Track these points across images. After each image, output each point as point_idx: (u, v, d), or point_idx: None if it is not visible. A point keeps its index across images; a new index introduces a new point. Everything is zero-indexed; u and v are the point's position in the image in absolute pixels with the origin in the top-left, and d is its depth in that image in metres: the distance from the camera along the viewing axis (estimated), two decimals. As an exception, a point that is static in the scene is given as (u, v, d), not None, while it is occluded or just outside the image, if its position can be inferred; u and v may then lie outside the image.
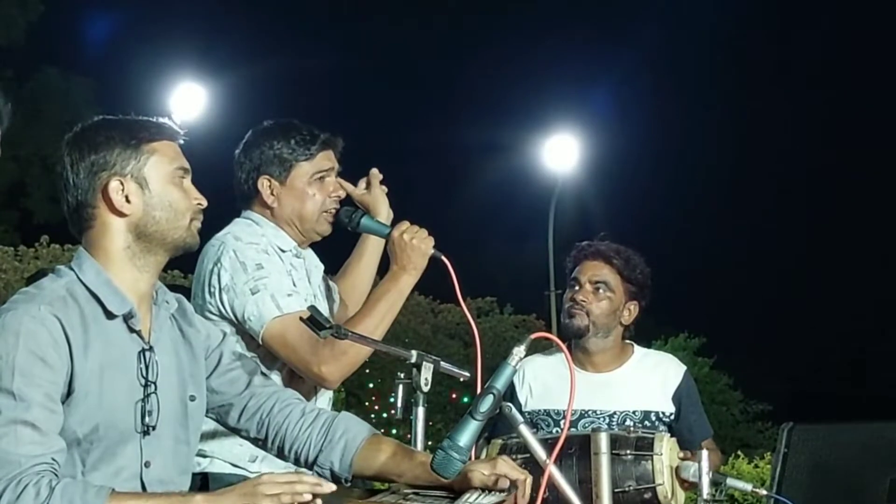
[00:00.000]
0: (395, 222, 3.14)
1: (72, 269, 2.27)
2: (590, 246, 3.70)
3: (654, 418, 3.56)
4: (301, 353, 2.87)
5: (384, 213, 3.22)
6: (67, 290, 2.21)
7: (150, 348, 2.29)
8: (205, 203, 2.35)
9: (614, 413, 3.54)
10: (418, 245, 2.96)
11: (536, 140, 19.06)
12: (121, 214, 2.26)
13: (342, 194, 3.15)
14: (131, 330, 2.26)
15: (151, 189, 2.27)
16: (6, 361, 2.09)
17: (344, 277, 3.34)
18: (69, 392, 2.14)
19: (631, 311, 3.66)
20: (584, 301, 3.59)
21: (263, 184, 3.08)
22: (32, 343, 2.11)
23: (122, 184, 2.26)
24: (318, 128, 3.15)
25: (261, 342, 2.89)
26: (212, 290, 2.94)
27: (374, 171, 3.25)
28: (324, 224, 3.12)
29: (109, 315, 2.23)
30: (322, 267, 3.26)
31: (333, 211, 3.12)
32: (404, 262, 2.97)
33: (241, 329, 2.91)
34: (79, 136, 2.30)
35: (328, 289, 3.26)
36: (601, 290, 3.60)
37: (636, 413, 3.55)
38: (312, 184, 3.08)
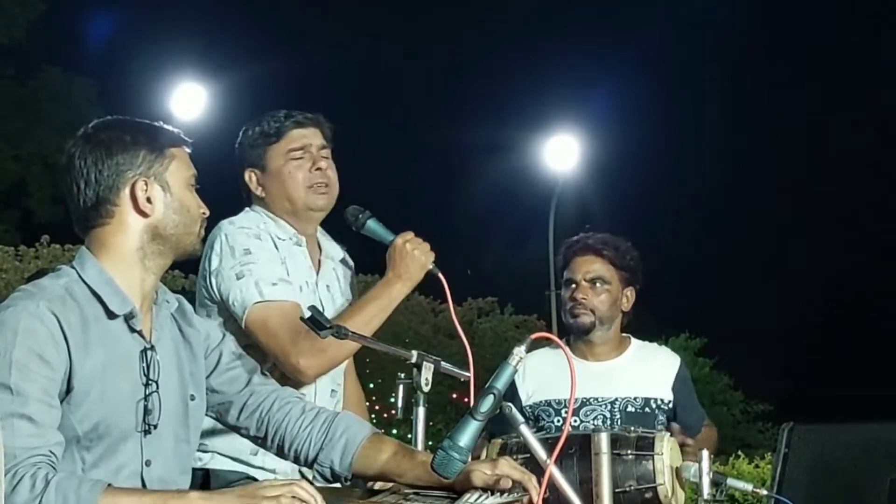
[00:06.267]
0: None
1: (73, 268, 2.28)
2: (577, 242, 3.73)
3: (654, 405, 3.60)
4: (280, 341, 2.87)
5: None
6: (67, 290, 2.22)
7: (152, 347, 2.30)
8: (208, 213, 2.40)
9: (616, 400, 3.58)
10: (419, 256, 2.97)
11: (537, 140, 19.01)
12: (143, 214, 2.29)
13: (323, 166, 3.10)
14: (132, 330, 2.27)
15: (172, 193, 2.32)
16: (4, 357, 2.10)
17: None
18: (68, 389, 2.16)
19: (629, 298, 3.73)
20: (584, 299, 3.62)
21: (249, 177, 3.12)
22: (31, 340, 2.12)
23: (146, 184, 2.29)
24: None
25: (244, 328, 2.88)
26: (204, 273, 2.98)
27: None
28: (313, 198, 3.08)
29: (111, 315, 2.24)
30: (338, 257, 3.23)
31: (321, 183, 3.09)
32: (401, 270, 2.97)
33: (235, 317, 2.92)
34: (102, 134, 2.31)
35: (346, 281, 3.23)
36: (598, 285, 3.65)
37: (637, 399, 3.59)
38: (288, 163, 3.07)
